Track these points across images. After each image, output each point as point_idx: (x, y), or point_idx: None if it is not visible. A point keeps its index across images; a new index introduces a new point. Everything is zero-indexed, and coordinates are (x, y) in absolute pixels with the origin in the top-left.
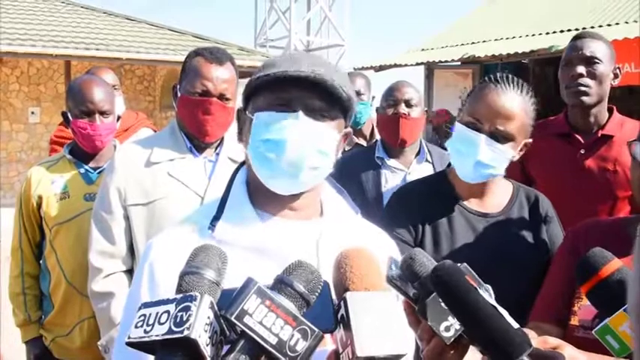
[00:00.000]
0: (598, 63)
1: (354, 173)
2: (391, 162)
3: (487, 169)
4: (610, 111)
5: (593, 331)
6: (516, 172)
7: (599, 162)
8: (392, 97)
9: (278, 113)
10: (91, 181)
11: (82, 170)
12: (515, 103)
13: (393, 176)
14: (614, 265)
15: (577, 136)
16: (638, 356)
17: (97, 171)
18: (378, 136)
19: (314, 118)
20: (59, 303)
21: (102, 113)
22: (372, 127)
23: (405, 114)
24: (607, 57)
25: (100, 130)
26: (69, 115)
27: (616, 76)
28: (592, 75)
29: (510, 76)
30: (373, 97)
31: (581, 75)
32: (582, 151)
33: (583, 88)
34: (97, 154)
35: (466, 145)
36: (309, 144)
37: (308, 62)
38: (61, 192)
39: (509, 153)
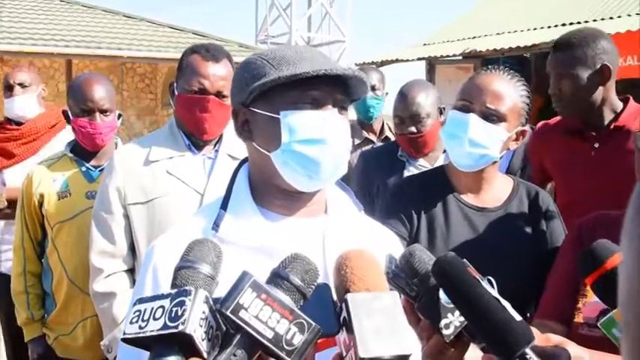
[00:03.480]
0: (568, 77)
1: (377, 170)
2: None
3: (479, 148)
4: (625, 101)
5: (598, 324)
6: (536, 174)
7: (615, 155)
8: (397, 115)
9: (315, 111)
10: (92, 179)
11: (84, 168)
12: (505, 84)
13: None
14: (619, 257)
15: (590, 131)
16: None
17: (99, 169)
18: (387, 132)
19: (340, 113)
20: (61, 301)
21: (102, 112)
22: (383, 122)
23: (414, 133)
24: (580, 65)
25: (101, 128)
26: (69, 113)
27: (605, 75)
28: (563, 91)
29: (502, 67)
30: (386, 93)
31: (553, 94)
32: (596, 145)
33: (558, 107)
34: (98, 152)
35: (457, 127)
36: (345, 140)
37: (319, 57)
38: (63, 190)
39: (502, 133)
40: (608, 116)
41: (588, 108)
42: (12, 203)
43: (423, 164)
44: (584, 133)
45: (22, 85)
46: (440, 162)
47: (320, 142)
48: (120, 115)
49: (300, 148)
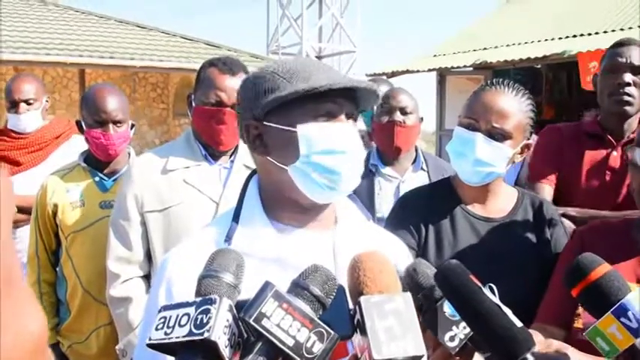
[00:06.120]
0: None
1: None
2: (385, 170)
3: (486, 167)
4: None
5: (584, 334)
6: (538, 168)
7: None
8: (387, 104)
9: (332, 123)
10: (105, 189)
11: (97, 178)
12: (510, 101)
13: (387, 184)
14: (602, 269)
15: (610, 137)
16: None
17: (112, 178)
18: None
19: (352, 125)
20: (76, 310)
21: (115, 122)
22: None
23: (400, 122)
24: None
25: (114, 139)
26: (82, 123)
27: None
28: (637, 84)
29: (507, 81)
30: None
31: (628, 84)
32: (615, 153)
33: (627, 98)
34: (111, 162)
35: (464, 146)
36: (360, 150)
37: (328, 70)
38: (77, 200)
39: (508, 151)
40: (631, 127)
41: (638, 111)
42: (20, 211)
43: (392, 174)
44: (605, 139)
45: (27, 102)
46: (409, 174)
47: (339, 153)
48: (133, 125)
49: (319, 159)
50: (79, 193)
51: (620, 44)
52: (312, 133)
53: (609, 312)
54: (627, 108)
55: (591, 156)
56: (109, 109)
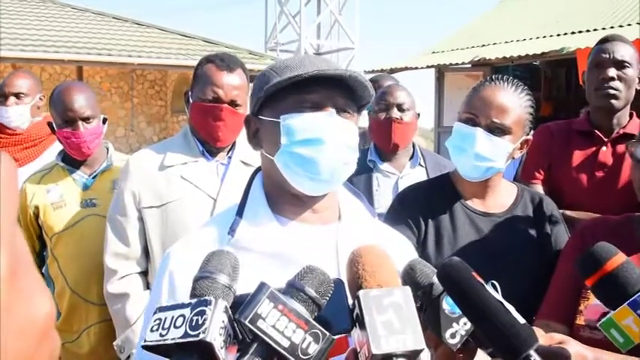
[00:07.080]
0: (628, 67)
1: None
2: (383, 166)
3: (486, 162)
4: (630, 115)
5: (598, 325)
6: (532, 168)
7: (622, 158)
8: (384, 101)
9: (312, 113)
10: (86, 187)
11: (77, 177)
12: (510, 96)
13: (385, 180)
14: (619, 259)
15: (599, 133)
16: None
17: (92, 176)
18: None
19: (342, 115)
20: (65, 310)
21: (84, 119)
22: None
23: (397, 118)
24: (635, 61)
25: (85, 136)
26: (54, 124)
27: None
28: (622, 78)
29: (506, 76)
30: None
31: (612, 78)
32: (604, 148)
33: (613, 92)
34: (88, 160)
35: (464, 140)
36: (344, 140)
37: (321, 63)
38: (58, 201)
39: (508, 146)
40: (620, 122)
41: (625, 104)
42: None
43: (390, 170)
44: (594, 135)
45: (17, 95)
46: (407, 169)
47: (316, 142)
48: (105, 120)
49: (296, 149)
50: (60, 193)
51: (605, 40)
52: (291, 123)
53: (625, 304)
54: (613, 101)
55: (581, 153)
56: (76, 106)
